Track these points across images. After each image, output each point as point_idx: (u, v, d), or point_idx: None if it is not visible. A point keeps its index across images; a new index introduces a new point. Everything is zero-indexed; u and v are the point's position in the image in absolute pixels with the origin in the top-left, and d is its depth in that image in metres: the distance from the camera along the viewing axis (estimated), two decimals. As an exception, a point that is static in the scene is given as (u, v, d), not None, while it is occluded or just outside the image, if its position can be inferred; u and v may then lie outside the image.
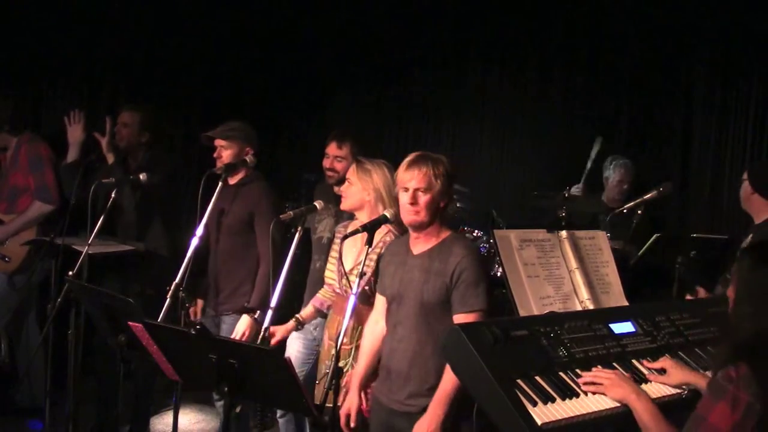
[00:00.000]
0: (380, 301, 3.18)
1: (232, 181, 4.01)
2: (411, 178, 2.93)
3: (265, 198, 3.98)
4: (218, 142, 4.03)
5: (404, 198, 2.95)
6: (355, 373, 3.19)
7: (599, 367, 2.32)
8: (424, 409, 2.83)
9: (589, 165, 5.06)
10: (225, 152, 4.01)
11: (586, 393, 2.23)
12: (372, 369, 3.16)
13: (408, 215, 2.95)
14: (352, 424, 3.10)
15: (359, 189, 3.49)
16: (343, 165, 3.93)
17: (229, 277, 4.00)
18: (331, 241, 3.79)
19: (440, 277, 2.88)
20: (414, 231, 2.99)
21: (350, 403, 3.12)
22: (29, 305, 4.85)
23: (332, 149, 3.98)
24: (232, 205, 3.98)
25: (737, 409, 1.94)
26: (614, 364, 2.41)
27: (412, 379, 2.92)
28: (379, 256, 3.33)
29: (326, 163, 4.01)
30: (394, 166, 3.63)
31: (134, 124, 4.56)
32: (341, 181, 3.91)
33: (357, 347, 3.38)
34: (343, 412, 3.11)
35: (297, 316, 3.70)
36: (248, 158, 3.98)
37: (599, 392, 2.22)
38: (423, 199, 2.91)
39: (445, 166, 2.96)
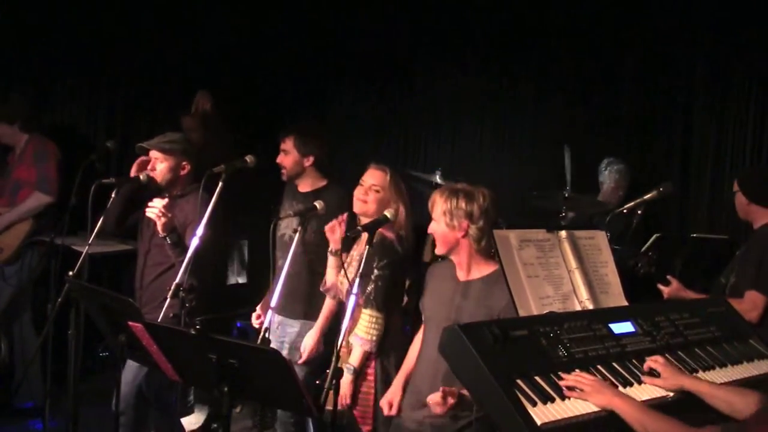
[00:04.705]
0: None
1: (174, 192, 3.83)
2: None
3: (199, 211, 3.54)
4: (153, 154, 3.80)
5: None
6: (400, 371, 3.31)
7: (578, 370, 2.29)
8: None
9: (568, 176, 4.88)
10: (159, 165, 3.78)
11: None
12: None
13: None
14: (393, 412, 3.20)
15: (386, 201, 3.49)
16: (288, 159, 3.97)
17: (158, 290, 3.71)
18: (291, 238, 3.57)
19: (489, 310, 2.89)
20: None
21: (392, 394, 3.24)
22: (23, 305, 4.84)
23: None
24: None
25: None
26: (614, 364, 2.41)
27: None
28: (381, 274, 3.39)
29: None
30: (393, 166, 3.64)
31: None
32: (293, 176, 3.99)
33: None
34: (385, 403, 3.24)
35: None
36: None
37: (582, 398, 2.19)
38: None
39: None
